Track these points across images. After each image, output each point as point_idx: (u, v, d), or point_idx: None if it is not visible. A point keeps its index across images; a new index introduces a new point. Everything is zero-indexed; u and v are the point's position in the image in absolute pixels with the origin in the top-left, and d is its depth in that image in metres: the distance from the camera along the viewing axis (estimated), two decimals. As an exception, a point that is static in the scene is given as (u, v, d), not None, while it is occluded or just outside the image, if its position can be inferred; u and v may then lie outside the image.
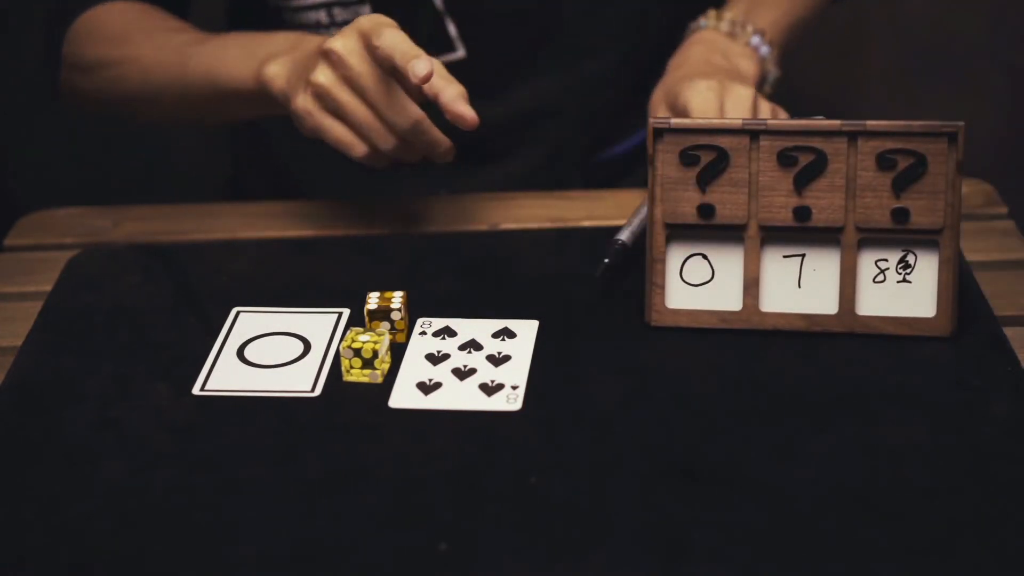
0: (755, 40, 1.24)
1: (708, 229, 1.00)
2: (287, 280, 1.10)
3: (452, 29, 1.29)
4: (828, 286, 0.99)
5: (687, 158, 0.99)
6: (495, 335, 1.00)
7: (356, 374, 0.96)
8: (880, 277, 0.99)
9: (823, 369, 0.97)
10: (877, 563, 0.81)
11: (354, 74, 1.05)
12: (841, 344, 0.99)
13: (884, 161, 0.97)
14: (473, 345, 0.99)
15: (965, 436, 0.90)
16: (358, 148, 1.08)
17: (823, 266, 0.99)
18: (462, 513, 0.85)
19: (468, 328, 1.01)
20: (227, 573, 0.83)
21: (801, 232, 0.99)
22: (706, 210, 0.99)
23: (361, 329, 0.97)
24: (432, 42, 1.29)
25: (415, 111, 1.06)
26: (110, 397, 0.97)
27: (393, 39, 1.04)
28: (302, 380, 0.97)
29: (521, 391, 0.94)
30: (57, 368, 1.00)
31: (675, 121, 0.99)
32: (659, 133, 0.99)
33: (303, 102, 1.08)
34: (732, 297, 1.00)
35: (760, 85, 1.22)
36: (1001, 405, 0.93)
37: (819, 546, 0.82)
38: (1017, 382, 0.95)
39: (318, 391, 0.96)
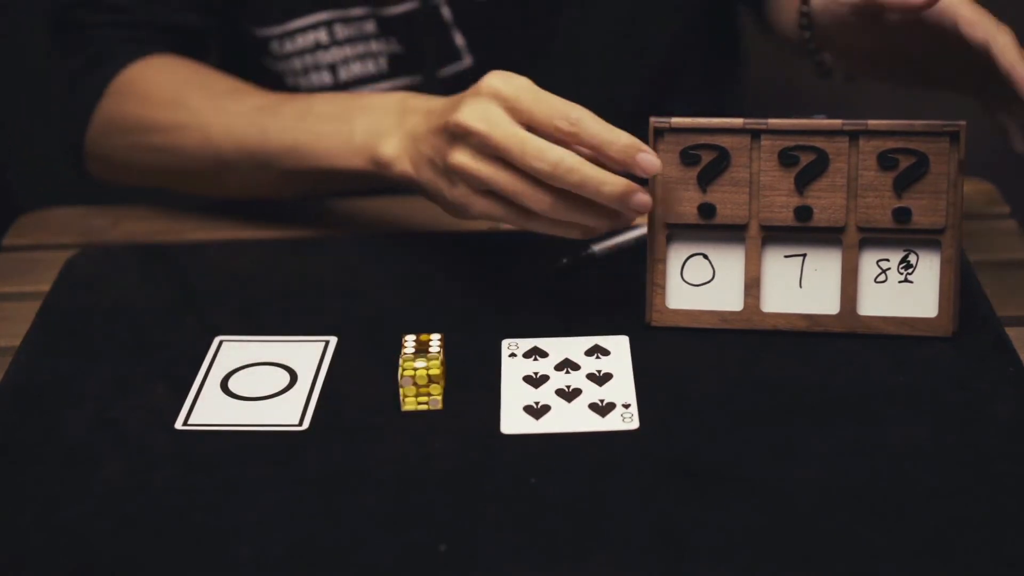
0: None
1: (709, 229, 1.00)
2: (287, 280, 1.10)
3: (459, 39, 1.28)
4: (829, 286, 0.99)
5: (688, 157, 0.98)
6: (588, 353, 0.99)
7: (412, 402, 0.94)
8: (882, 277, 0.99)
9: (824, 369, 0.97)
10: (878, 563, 0.81)
11: (492, 144, 0.95)
12: (842, 344, 0.99)
13: (885, 161, 0.97)
14: (569, 365, 0.98)
15: (967, 436, 0.90)
16: (522, 221, 0.98)
17: (824, 266, 0.99)
18: (462, 513, 0.85)
19: (558, 347, 0.99)
20: (227, 573, 0.82)
21: (802, 232, 0.99)
22: (707, 210, 0.99)
23: (411, 355, 0.95)
24: (439, 52, 1.29)
25: (556, 152, 0.94)
26: (109, 397, 0.97)
27: (590, 122, 0.94)
28: (289, 413, 0.95)
29: (634, 409, 0.93)
30: (56, 368, 1.00)
31: (675, 121, 0.98)
32: (659, 133, 0.98)
33: (458, 194, 0.99)
34: (733, 297, 1.00)
35: None
36: (1003, 405, 0.93)
37: (820, 546, 0.82)
38: (1019, 382, 0.95)
39: (306, 424, 0.94)
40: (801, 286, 1.00)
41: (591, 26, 1.31)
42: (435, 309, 1.04)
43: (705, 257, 1.00)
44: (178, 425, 0.94)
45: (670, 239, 1.00)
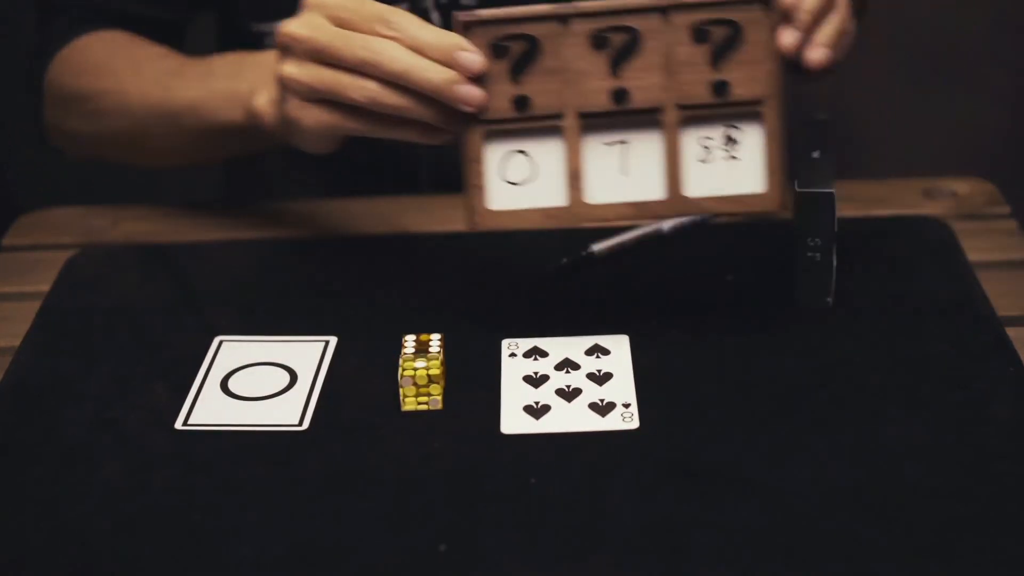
0: None
1: (525, 122, 0.96)
2: (286, 280, 1.10)
3: None
4: (654, 171, 0.96)
5: (497, 50, 0.95)
6: (588, 352, 0.98)
7: (412, 402, 0.94)
8: (706, 156, 0.96)
9: (824, 369, 0.96)
10: (878, 563, 0.81)
11: (316, 46, 0.95)
12: (842, 344, 0.99)
13: (699, 33, 0.94)
14: (569, 364, 0.97)
15: (967, 436, 0.90)
16: (354, 122, 0.97)
17: (647, 151, 0.96)
18: (462, 514, 0.85)
19: (558, 347, 0.99)
20: (226, 573, 0.82)
21: (621, 116, 0.96)
22: (521, 102, 0.95)
23: (411, 355, 0.95)
24: None
25: (379, 41, 0.94)
26: (109, 398, 0.96)
27: (408, 23, 0.94)
28: (289, 413, 0.94)
29: (634, 409, 0.93)
30: (55, 368, 1.00)
31: (481, 12, 0.95)
32: (468, 27, 0.94)
33: (290, 108, 0.98)
34: (556, 192, 0.97)
35: None
36: (1003, 405, 0.93)
37: (819, 546, 0.82)
38: (1020, 382, 0.94)
39: (306, 424, 0.93)
40: (626, 174, 0.97)
41: None
42: (435, 309, 1.04)
43: (524, 154, 0.97)
44: (178, 425, 0.94)
45: (486, 138, 0.96)
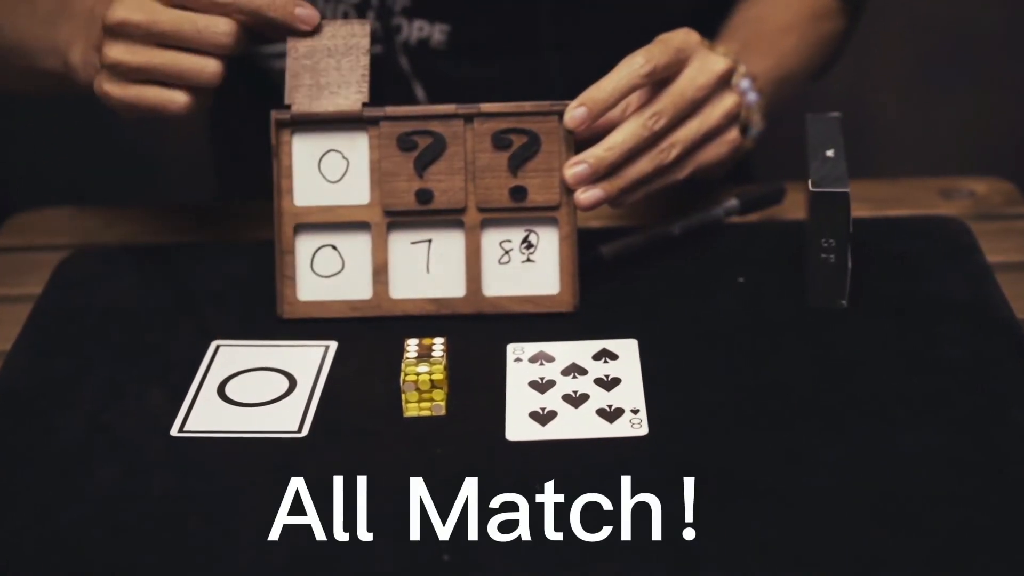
0: (744, 84, 1.12)
1: (335, 219, 1.02)
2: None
3: (419, 92, 1.26)
4: (455, 269, 1.02)
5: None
6: (595, 357, 0.98)
7: (414, 408, 0.93)
8: (505, 258, 1.03)
9: (838, 372, 0.96)
10: (891, 570, 0.80)
11: (145, 31, 0.99)
12: (857, 346, 0.98)
13: (499, 141, 1.01)
14: (576, 370, 0.97)
15: (983, 441, 0.89)
16: (177, 100, 1.01)
17: (449, 250, 1.02)
18: (465, 522, 0.84)
19: (564, 352, 0.98)
20: (223, 581, 0.82)
21: (425, 215, 1.02)
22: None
23: (414, 360, 0.94)
24: (399, 103, 1.25)
25: (222, 22, 0.99)
26: (103, 403, 0.96)
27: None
28: (288, 419, 0.94)
29: (643, 415, 0.92)
30: (48, 372, 0.99)
31: (295, 112, 1.01)
32: (282, 124, 1.01)
33: (100, 86, 1.02)
34: (362, 286, 1.02)
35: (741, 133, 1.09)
36: (1021, 409, 0.92)
37: (831, 552, 0.81)
38: (1038, 386, 0.94)
39: (305, 431, 0.93)
40: (428, 271, 1.03)
41: (561, 79, 1.25)
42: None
43: (334, 248, 1.02)
44: (174, 432, 0.93)
45: (298, 231, 1.02)
